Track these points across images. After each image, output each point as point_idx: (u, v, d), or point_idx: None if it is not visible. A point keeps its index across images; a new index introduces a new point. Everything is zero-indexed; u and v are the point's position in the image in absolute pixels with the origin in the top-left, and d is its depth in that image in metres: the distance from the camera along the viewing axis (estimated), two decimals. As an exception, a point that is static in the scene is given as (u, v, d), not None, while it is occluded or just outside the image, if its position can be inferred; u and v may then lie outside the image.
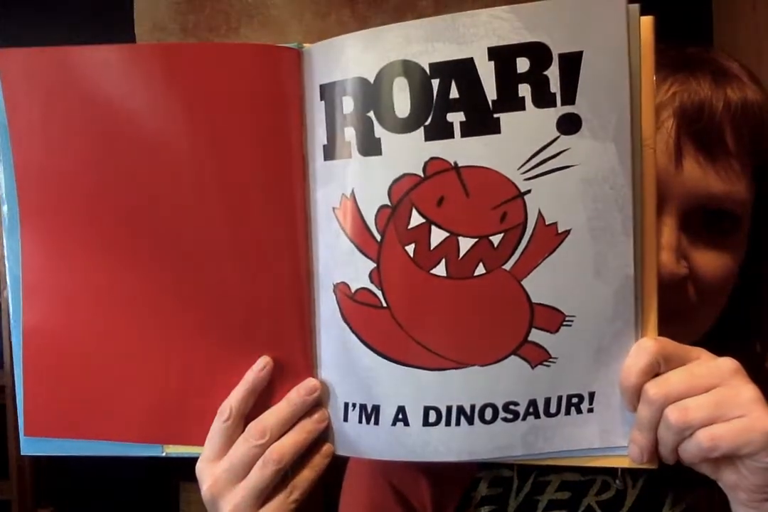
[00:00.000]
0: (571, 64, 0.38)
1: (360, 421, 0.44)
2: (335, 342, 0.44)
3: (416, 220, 0.41)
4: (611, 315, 0.41)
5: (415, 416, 0.43)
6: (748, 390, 0.38)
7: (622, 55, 0.38)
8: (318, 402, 0.45)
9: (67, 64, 0.44)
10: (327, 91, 0.41)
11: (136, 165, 0.44)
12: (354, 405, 0.45)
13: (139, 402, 0.47)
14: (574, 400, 0.43)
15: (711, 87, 0.47)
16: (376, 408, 0.44)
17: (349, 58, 0.40)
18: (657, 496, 0.53)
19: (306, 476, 0.45)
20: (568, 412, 0.43)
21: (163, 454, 0.48)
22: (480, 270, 0.41)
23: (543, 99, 0.38)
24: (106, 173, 0.45)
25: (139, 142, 0.44)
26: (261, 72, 0.42)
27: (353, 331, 0.43)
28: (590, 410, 0.42)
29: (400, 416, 0.44)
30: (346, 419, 0.45)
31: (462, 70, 0.39)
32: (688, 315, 0.47)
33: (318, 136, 0.42)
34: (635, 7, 0.40)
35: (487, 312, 0.42)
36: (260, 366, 0.45)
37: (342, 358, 0.44)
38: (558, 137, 0.39)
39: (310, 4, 1.99)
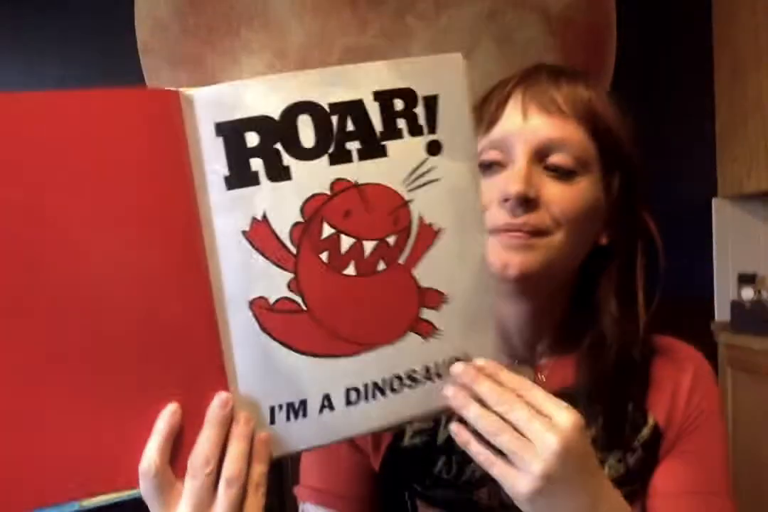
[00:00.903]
0: (431, 103, 0.51)
1: (288, 419, 0.50)
2: (254, 354, 0.49)
3: (327, 231, 0.49)
4: (475, 291, 0.54)
5: (338, 399, 0.51)
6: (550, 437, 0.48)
7: (463, 94, 0.52)
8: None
9: None
10: (226, 129, 0.47)
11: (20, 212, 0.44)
12: (281, 406, 0.50)
13: (53, 460, 0.46)
14: (455, 362, 0.54)
15: (548, 75, 0.66)
16: (304, 403, 0.50)
17: (251, 99, 0.47)
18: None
19: (260, 470, 0.48)
20: (449, 372, 0.54)
21: (78, 507, 0.48)
22: (381, 266, 0.51)
23: (414, 129, 0.51)
24: None
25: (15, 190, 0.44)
26: (140, 116, 0.45)
27: (275, 339, 0.49)
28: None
29: (326, 403, 0.51)
30: (273, 422, 0.50)
31: (355, 109, 0.49)
32: (547, 235, 0.62)
33: (216, 168, 0.47)
34: (461, 58, 0.53)
35: (389, 299, 0.52)
36: (170, 411, 0.47)
37: (263, 367, 0.49)
38: (427, 158, 0.51)
39: (310, 6, 2.00)
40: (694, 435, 0.67)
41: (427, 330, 0.53)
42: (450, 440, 0.61)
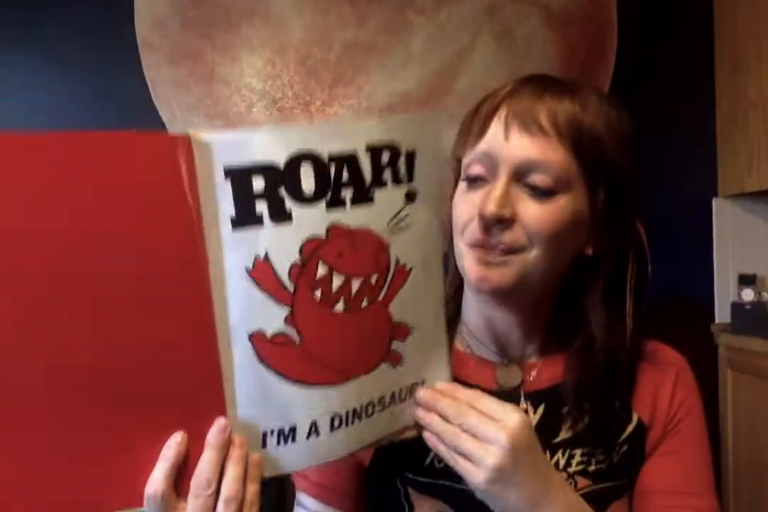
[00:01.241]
0: (412, 157, 0.57)
1: (278, 444, 0.55)
2: (251, 383, 0.53)
3: (321, 271, 0.53)
4: (434, 323, 0.61)
5: (324, 426, 0.56)
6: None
7: (438, 149, 0.59)
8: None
9: None
10: (234, 173, 0.50)
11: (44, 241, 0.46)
12: (272, 431, 0.54)
13: (65, 482, 0.48)
14: (415, 387, 0.61)
15: (534, 90, 0.67)
16: (293, 429, 0.55)
17: (258, 147, 0.50)
18: (556, 421, 0.68)
19: (253, 489, 0.53)
20: (410, 395, 0.61)
21: None
22: (365, 303, 0.56)
23: (397, 179, 0.56)
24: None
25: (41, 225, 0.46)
26: (153, 159, 0.48)
27: (271, 369, 0.53)
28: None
29: (313, 429, 0.55)
30: (264, 446, 0.54)
31: (350, 160, 0.54)
32: (521, 252, 0.64)
33: (224, 209, 0.50)
34: (441, 117, 0.59)
35: (369, 333, 0.57)
36: (176, 441, 0.51)
37: (259, 395, 0.53)
38: (404, 206, 0.57)
39: (310, 1, 1.99)
40: (677, 437, 0.70)
41: (396, 360, 0.59)
42: None
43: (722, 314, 2.02)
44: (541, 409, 0.69)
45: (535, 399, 0.70)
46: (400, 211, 0.57)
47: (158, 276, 0.49)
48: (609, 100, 0.70)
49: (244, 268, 0.51)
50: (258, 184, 0.50)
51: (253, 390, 0.53)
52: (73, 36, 1.97)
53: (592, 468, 0.67)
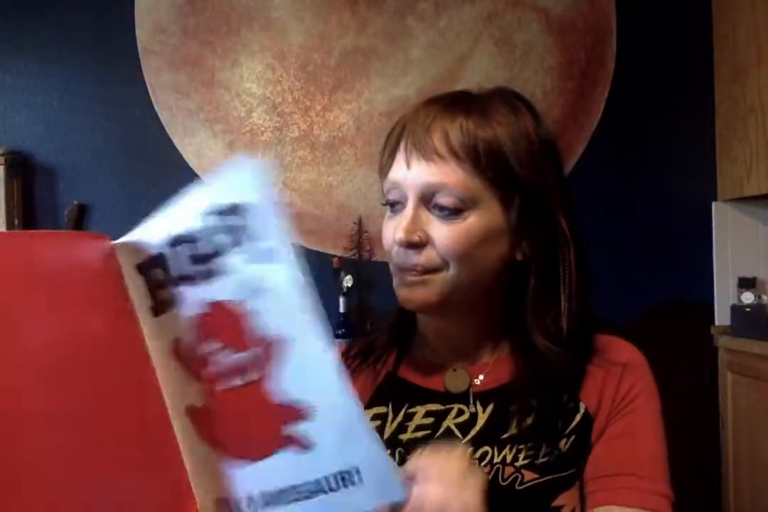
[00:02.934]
0: (248, 213, 0.53)
1: None
2: (194, 454, 0.55)
3: (209, 347, 0.54)
4: (338, 396, 0.52)
5: (258, 501, 0.55)
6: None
7: (272, 201, 0.53)
8: None
9: None
10: (142, 268, 0.55)
11: None
12: (217, 500, 0.55)
13: None
14: (345, 476, 0.53)
15: (427, 116, 0.69)
16: (235, 501, 0.55)
17: (150, 241, 0.55)
18: (504, 419, 0.69)
19: None
20: (345, 485, 0.53)
21: None
22: (240, 381, 0.54)
23: (239, 242, 0.53)
24: None
25: None
26: (87, 255, 0.52)
27: (204, 442, 0.55)
28: (360, 480, 0.53)
29: (250, 503, 0.55)
30: None
31: (192, 236, 0.54)
32: (439, 272, 0.67)
33: (144, 300, 0.54)
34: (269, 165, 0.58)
35: (250, 414, 0.54)
36: None
37: (201, 466, 0.55)
38: (255, 268, 0.53)
39: (311, 6, 2.00)
40: (622, 421, 0.70)
41: (299, 444, 0.53)
42: (449, 433, 0.70)
43: (722, 317, 2.02)
44: (489, 408, 0.71)
45: (483, 398, 0.72)
46: (254, 276, 0.53)
47: (105, 367, 0.51)
48: (521, 107, 0.71)
49: (167, 352, 0.55)
50: (158, 274, 0.54)
51: (196, 462, 0.55)
52: (74, 42, 1.98)
53: (539, 461, 0.68)
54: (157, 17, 1.98)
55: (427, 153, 0.67)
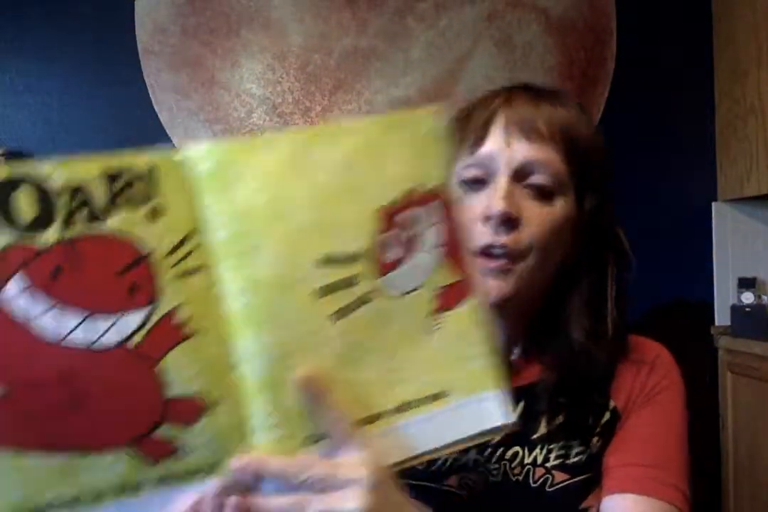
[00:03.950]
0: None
1: None
2: None
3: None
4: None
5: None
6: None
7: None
8: None
9: None
10: None
11: None
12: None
13: None
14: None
15: (530, 97, 0.69)
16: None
17: None
18: (534, 418, 0.68)
19: None
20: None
21: None
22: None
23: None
24: None
25: None
26: None
27: None
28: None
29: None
30: None
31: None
32: (522, 260, 0.65)
33: None
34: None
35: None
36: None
37: None
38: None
39: (310, 6, 2.00)
40: (643, 411, 0.70)
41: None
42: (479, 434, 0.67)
43: (722, 317, 2.02)
44: (520, 407, 0.69)
45: (513, 396, 0.70)
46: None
47: None
48: (585, 112, 0.74)
49: None
50: None
51: None
52: (73, 42, 1.98)
53: (570, 461, 0.67)
54: (157, 17, 1.98)
55: (530, 133, 0.67)
